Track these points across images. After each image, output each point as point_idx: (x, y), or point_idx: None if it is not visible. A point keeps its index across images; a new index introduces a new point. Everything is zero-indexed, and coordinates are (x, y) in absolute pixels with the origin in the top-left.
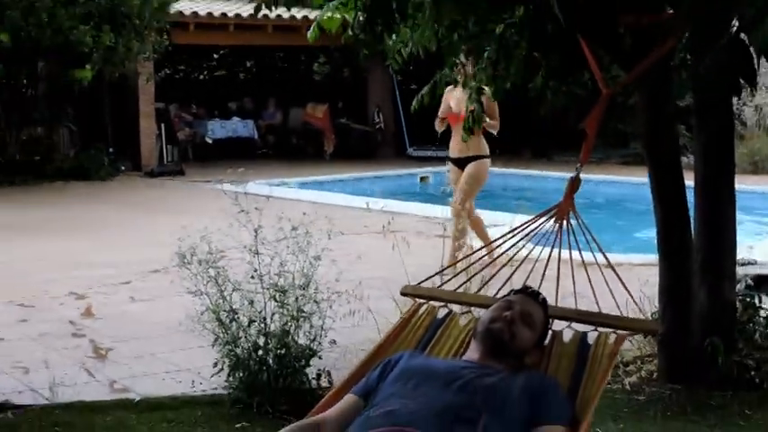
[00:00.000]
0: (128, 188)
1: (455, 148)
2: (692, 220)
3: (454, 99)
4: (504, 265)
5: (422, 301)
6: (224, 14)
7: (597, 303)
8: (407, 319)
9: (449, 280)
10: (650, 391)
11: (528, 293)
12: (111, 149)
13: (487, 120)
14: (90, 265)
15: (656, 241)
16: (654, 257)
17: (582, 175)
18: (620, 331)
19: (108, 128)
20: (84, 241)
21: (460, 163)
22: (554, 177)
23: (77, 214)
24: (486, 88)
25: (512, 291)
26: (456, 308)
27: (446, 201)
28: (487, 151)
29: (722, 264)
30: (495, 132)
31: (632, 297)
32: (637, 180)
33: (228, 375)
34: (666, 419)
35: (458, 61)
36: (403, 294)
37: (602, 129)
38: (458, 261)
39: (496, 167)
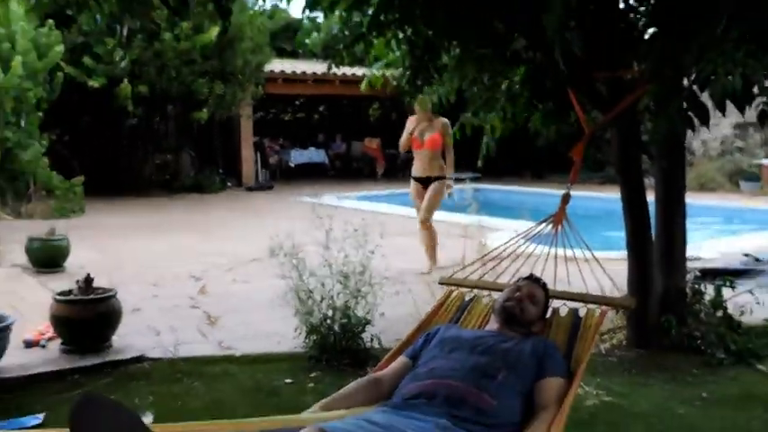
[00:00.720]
0: (232, 199)
1: (418, 168)
2: (652, 226)
3: (417, 129)
4: (514, 260)
5: (453, 287)
6: (303, 72)
7: (585, 287)
8: (443, 302)
9: (472, 272)
10: (620, 355)
11: (533, 279)
12: (220, 171)
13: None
14: (204, 255)
15: (625, 242)
16: (623, 254)
17: (571, 192)
18: (603, 307)
19: (218, 155)
20: (200, 238)
21: (423, 181)
22: (548, 194)
23: (195, 218)
24: (449, 124)
25: (520, 278)
26: (478, 292)
27: (466, 210)
28: (445, 173)
29: (675, 259)
30: (449, 159)
31: (613, 281)
32: (611, 196)
33: (305, 338)
34: (632, 375)
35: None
36: (441, 284)
37: (585, 157)
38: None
39: (500, 184)
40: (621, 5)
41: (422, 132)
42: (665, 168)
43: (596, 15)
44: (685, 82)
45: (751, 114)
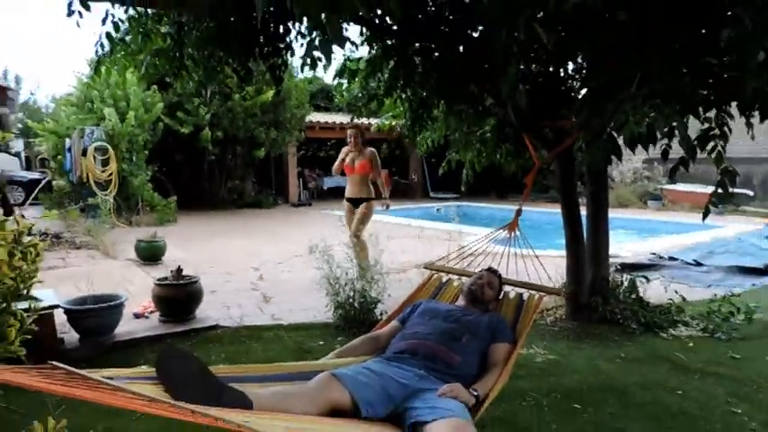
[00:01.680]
0: (281, 213)
1: (350, 191)
2: (584, 233)
3: (349, 156)
4: (477, 255)
5: (433, 272)
6: (333, 122)
7: (528, 277)
8: (425, 283)
9: (447, 262)
10: (561, 325)
11: (491, 270)
12: (273, 192)
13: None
14: (261, 253)
15: (564, 244)
16: (563, 252)
17: (522, 208)
18: (540, 293)
19: (272, 180)
20: (258, 240)
21: (354, 202)
22: (510, 209)
23: (255, 226)
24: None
25: (483, 269)
26: (451, 276)
27: (451, 220)
28: (374, 195)
29: (601, 256)
30: (379, 183)
31: (548, 274)
32: (554, 211)
33: (333, 312)
34: (570, 341)
35: (350, 135)
36: (425, 267)
37: (535, 182)
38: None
39: (475, 202)
40: (561, 73)
41: (353, 160)
42: (593, 191)
43: (543, 81)
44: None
45: (655, 152)
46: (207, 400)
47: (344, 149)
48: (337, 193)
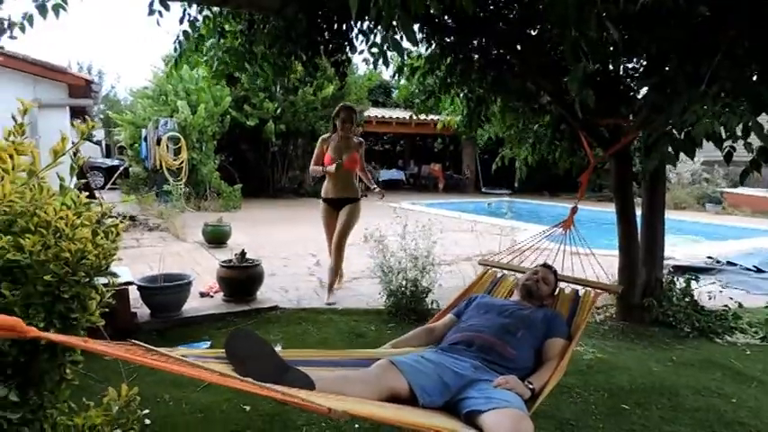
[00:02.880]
0: None
1: (332, 190)
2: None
3: (332, 147)
4: (533, 251)
5: (488, 267)
6: (391, 117)
7: (584, 274)
8: (480, 278)
9: (501, 258)
10: (611, 324)
11: (546, 266)
12: None
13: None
14: (318, 240)
15: (617, 243)
16: (614, 251)
17: (578, 206)
18: (597, 290)
19: None
20: (316, 227)
21: (336, 203)
22: (561, 206)
23: (314, 214)
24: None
25: (538, 265)
26: (506, 272)
27: (503, 215)
28: (360, 194)
29: (655, 257)
30: (365, 179)
31: (604, 271)
32: (605, 210)
33: (385, 300)
34: (620, 341)
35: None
36: (480, 263)
37: (589, 181)
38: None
39: (526, 199)
40: (621, 71)
41: (339, 150)
42: (650, 190)
43: (601, 79)
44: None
45: (714, 154)
46: (272, 378)
47: (324, 138)
48: (392, 185)
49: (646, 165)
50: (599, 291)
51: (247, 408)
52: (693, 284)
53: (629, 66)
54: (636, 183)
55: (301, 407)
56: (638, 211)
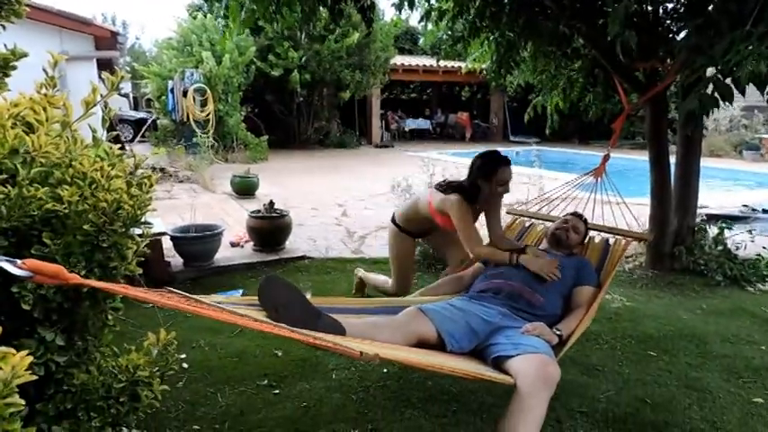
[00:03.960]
0: (364, 153)
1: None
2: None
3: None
4: (561, 200)
5: (516, 216)
6: (417, 64)
7: (615, 223)
8: (508, 226)
9: (530, 207)
10: (640, 273)
11: (577, 215)
12: (357, 133)
13: None
14: (345, 189)
15: (649, 190)
16: (645, 200)
17: (610, 154)
18: (627, 238)
19: (356, 122)
20: (343, 178)
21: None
22: (591, 155)
23: (339, 165)
24: None
25: (568, 213)
26: (534, 220)
27: (531, 164)
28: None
29: (688, 205)
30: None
31: (636, 220)
32: (638, 157)
33: None
34: (648, 289)
35: None
36: (508, 213)
37: (622, 128)
38: None
39: (556, 147)
40: (660, 12)
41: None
42: (685, 136)
43: (638, 20)
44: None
45: (755, 99)
46: (304, 324)
47: (462, 201)
48: (419, 135)
49: (683, 107)
50: (629, 239)
51: (279, 353)
52: (726, 233)
53: (669, 6)
54: (671, 130)
55: (333, 350)
56: (672, 159)
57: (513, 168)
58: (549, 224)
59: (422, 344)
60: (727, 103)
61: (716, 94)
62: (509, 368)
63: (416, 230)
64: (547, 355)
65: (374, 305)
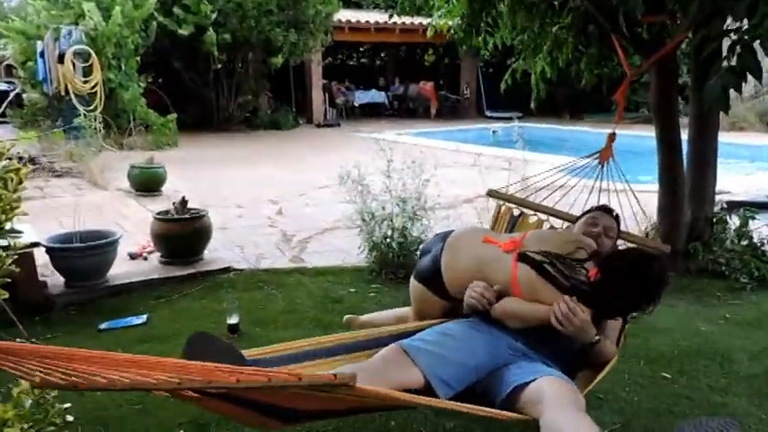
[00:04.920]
0: (304, 135)
1: None
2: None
3: None
4: (556, 190)
5: (501, 203)
6: (367, 21)
7: (622, 216)
8: (496, 217)
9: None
10: None
11: (607, 210)
12: (293, 110)
13: None
14: (280, 183)
15: (657, 175)
16: (652, 186)
17: (602, 130)
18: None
19: (292, 95)
20: (277, 168)
21: None
22: (586, 132)
23: (272, 151)
24: None
25: (593, 208)
26: (525, 210)
27: (512, 145)
28: None
29: (705, 192)
30: None
31: (644, 211)
32: (641, 134)
33: (367, 254)
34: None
35: None
36: (488, 194)
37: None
38: None
39: (546, 124)
40: None
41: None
42: (699, 109)
43: None
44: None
45: None
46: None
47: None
48: (372, 111)
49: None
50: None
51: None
52: (752, 224)
53: None
54: (682, 99)
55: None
56: (684, 135)
57: (490, 150)
58: (542, 215)
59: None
60: None
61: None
62: (526, 396)
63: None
64: (568, 382)
65: (331, 342)
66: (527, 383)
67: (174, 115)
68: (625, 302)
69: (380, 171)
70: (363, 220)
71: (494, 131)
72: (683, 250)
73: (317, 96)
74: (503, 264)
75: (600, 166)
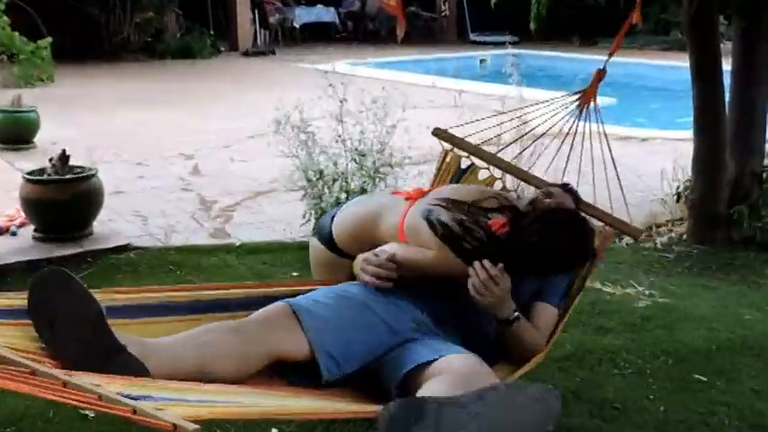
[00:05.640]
0: (227, 66)
1: None
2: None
3: None
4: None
5: (448, 147)
6: None
7: (606, 177)
8: (440, 167)
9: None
10: (679, 251)
11: (566, 189)
12: (212, 32)
13: None
14: (195, 131)
15: (692, 119)
16: (687, 133)
17: (626, 60)
18: (609, 227)
19: (209, 13)
20: (190, 110)
21: None
22: (600, 60)
23: (184, 88)
24: None
25: (550, 186)
26: (477, 162)
27: (505, 78)
28: None
29: (752, 139)
30: None
31: (616, 172)
32: (675, 64)
33: (314, 225)
34: (693, 276)
35: None
36: (433, 134)
37: (645, 16)
38: None
39: (548, 51)
40: None
41: None
42: (746, 30)
43: None
44: None
45: None
46: (95, 360)
47: None
48: (318, 34)
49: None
50: (611, 229)
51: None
52: None
53: None
54: (724, 18)
55: (132, 421)
56: (727, 66)
57: (476, 86)
58: (495, 170)
59: (284, 361)
60: None
61: None
62: (424, 377)
63: None
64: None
65: (208, 297)
66: (430, 362)
67: (49, 40)
68: (532, 258)
69: (330, 114)
70: (309, 180)
71: (481, 61)
72: (725, 215)
73: (244, 14)
74: (397, 209)
75: (579, 113)
